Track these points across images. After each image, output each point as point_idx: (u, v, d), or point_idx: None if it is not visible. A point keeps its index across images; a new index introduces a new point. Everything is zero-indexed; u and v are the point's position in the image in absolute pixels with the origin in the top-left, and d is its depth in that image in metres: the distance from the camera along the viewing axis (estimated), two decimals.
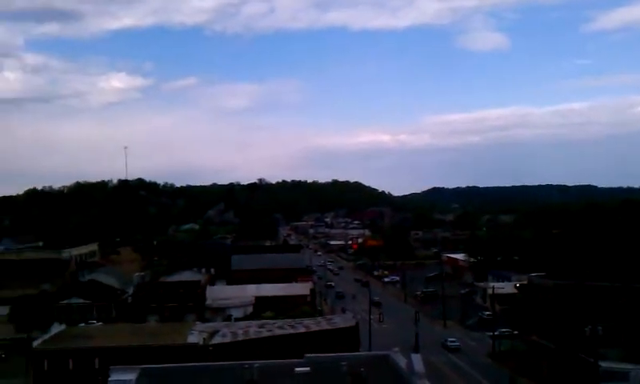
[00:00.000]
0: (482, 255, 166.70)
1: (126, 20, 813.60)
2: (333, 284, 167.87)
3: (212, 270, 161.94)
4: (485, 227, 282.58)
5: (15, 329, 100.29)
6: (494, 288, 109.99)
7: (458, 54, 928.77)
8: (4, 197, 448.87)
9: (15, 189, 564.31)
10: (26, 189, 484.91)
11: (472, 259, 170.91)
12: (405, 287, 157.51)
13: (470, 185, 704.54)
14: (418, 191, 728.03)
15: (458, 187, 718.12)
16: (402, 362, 53.40)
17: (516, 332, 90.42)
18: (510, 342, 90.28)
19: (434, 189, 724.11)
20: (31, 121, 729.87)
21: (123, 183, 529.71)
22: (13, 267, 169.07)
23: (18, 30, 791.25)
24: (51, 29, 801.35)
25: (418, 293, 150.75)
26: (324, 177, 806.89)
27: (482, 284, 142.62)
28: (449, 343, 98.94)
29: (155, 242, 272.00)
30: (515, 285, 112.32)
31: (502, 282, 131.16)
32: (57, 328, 78.80)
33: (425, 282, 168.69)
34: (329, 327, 76.70)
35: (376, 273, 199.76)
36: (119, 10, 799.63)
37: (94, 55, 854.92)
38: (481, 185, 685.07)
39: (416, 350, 76.82)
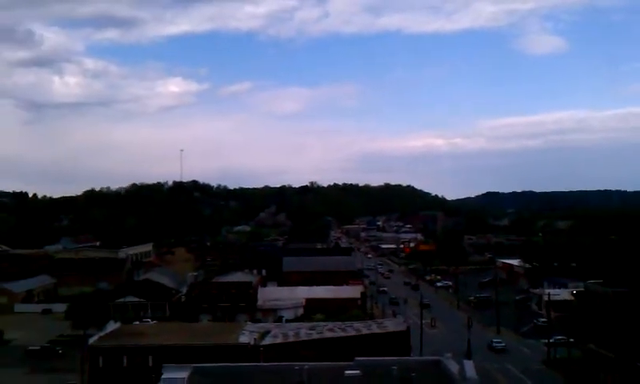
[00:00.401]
0: (537, 261, 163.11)
1: (183, 26, 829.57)
2: (387, 290, 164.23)
3: (263, 272, 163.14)
4: (541, 233, 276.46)
5: (72, 325, 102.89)
6: (549, 295, 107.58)
7: (514, 57, 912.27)
8: (64, 197, 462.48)
9: (75, 190, 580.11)
10: (85, 190, 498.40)
11: (527, 265, 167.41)
12: (457, 292, 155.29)
13: (526, 189, 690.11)
14: (472, 195, 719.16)
15: (513, 192, 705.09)
16: (453, 367, 52.59)
17: (572, 340, 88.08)
18: (566, 350, 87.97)
19: (489, 193, 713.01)
20: (91, 124, 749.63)
21: (178, 185, 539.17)
22: (71, 265, 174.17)
23: (79, 36, 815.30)
24: (111, 35, 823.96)
25: (471, 298, 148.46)
26: (376, 180, 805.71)
27: (537, 290, 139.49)
28: (494, 344, 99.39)
29: (208, 243, 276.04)
30: (572, 292, 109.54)
31: (559, 288, 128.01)
32: (112, 325, 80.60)
33: (478, 287, 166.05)
34: (379, 331, 76.09)
35: (428, 277, 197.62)
36: (176, 17, 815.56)
37: (152, 61, 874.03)
38: (537, 189, 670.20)
39: (468, 356, 75.62)
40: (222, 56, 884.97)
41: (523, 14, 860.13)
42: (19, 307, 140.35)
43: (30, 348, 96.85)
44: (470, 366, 52.96)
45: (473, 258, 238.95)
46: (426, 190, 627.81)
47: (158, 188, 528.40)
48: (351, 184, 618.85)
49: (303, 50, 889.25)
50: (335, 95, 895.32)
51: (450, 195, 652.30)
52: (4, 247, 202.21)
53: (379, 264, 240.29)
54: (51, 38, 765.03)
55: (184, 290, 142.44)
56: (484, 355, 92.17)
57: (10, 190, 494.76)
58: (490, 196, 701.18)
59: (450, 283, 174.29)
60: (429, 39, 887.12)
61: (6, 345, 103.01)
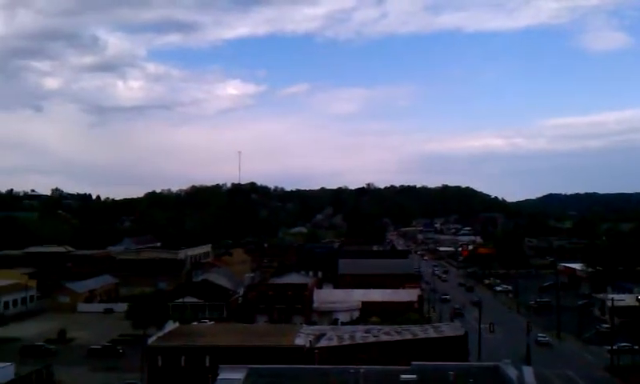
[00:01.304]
0: (601, 265, 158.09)
1: (241, 29, 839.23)
2: (448, 297, 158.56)
3: (319, 274, 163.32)
4: (604, 236, 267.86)
5: (132, 325, 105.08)
6: (613, 300, 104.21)
7: (576, 55, 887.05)
8: (126, 199, 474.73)
9: (136, 192, 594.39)
10: (147, 192, 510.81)
11: (590, 269, 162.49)
12: (517, 296, 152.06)
13: (589, 191, 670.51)
14: (533, 197, 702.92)
15: (575, 193, 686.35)
16: (512, 373, 51.45)
17: (636, 346, 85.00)
18: (630, 357, 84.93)
19: (550, 195, 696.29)
20: (152, 127, 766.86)
21: (236, 187, 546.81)
22: (132, 266, 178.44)
23: (141, 41, 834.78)
24: (172, 39, 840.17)
25: (532, 303, 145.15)
26: (434, 182, 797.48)
27: (600, 295, 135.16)
28: (539, 338, 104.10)
29: (265, 245, 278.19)
30: (637, 297, 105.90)
31: (623, 293, 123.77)
32: (171, 325, 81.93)
33: (539, 291, 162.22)
34: (436, 335, 75.09)
35: (487, 281, 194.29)
36: (235, 21, 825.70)
37: (211, 64, 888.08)
38: (600, 191, 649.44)
39: (528, 362, 73.82)
40: (280, 58, 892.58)
41: (586, 11, 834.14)
42: (82, 307, 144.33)
43: (92, 347, 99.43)
44: (529, 372, 51.77)
45: (533, 261, 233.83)
46: (485, 192, 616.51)
47: (216, 190, 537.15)
48: (408, 185, 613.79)
49: (361, 51, 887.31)
50: (392, 95, 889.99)
51: (510, 197, 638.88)
52: (68, 248, 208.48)
53: (436, 267, 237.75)
54: (115, 43, 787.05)
55: (241, 291, 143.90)
56: (552, 366, 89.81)
57: (75, 192, 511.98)
58: (551, 197, 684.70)
59: (510, 287, 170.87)
60: (488, 37, 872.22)
61: (69, 343, 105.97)
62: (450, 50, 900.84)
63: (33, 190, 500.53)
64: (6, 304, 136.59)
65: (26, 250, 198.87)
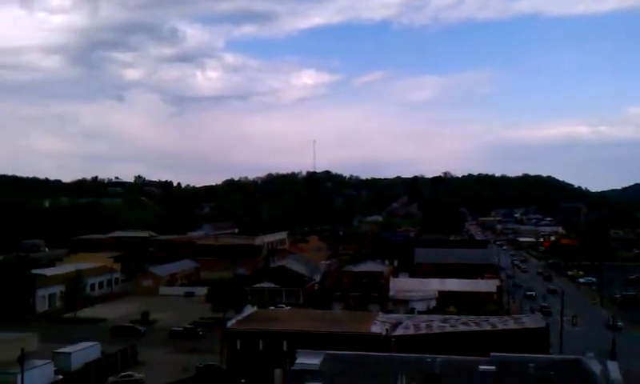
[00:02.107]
0: None
1: (316, 19, 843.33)
2: (532, 293, 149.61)
3: (395, 262, 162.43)
4: None
5: (212, 308, 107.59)
6: None
7: None
8: (205, 186, 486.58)
9: (215, 179, 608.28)
10: (225, 179, 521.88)
11: None
12: (601, 290, 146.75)
13: None
14: (619, 187, 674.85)
15: None
16: (596, 368, 49.75)
17: None
18: None
19: (637, 185, 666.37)
20: (230, 117, 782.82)
21: (311, 175, 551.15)
22: (212, 251, 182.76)
23: (219, 32, 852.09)
24: (249, 30, 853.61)
25: (617, 296, 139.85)
26: (514, 170, 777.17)
27: None
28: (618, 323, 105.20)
29: (341, 233, 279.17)
30: None
31: None
32: (249, 309, 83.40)
33: (624, 284, 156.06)
34: (516, 327, 73.27)
35: (570, 273, 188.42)
36: (310, 10, 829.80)
37: (287, 54, 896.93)
38: None
39: (612, 357, 70.95)
40: (355, 46, 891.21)
41: None
42: (163, 290, 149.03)
43: (174, 329, 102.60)
44: (614, 367, 49.85)
45: (619, 253, 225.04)
46: (567, 181, 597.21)
47: (292, 178, 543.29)
48: (487, 174, 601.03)
49: (437, 38, 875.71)
50: (470, 82, 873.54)
51: (594, 186, 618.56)
52: (151, 233, 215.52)
53: (515, 257, 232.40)
54: (194, 34, 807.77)
55: (317, 277, 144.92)
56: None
57: (157, 179, 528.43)
58: (638, 188, 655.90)
59: (594, 280, 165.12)
60: (572, 21, 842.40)
61: (152, 325, 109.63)
62: (530, 35, 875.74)
63: (117, 178, 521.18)
64: (92, 286, 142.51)
65: (111, 235, 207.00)
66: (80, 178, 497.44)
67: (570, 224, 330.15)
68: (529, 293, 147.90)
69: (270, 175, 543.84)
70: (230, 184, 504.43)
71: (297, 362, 54.60)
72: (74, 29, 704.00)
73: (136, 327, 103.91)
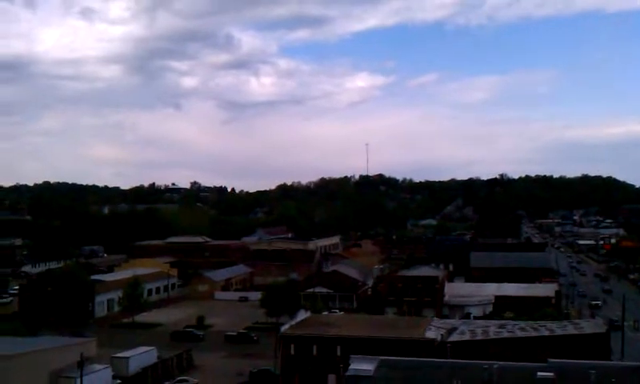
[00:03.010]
0: None
1: (370, 21, 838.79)
2: (598, 302, 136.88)
3: (450, 267, 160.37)
4: None
5: (266, 313, 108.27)
6: None
7: None
8: (259, 191, 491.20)
9: (269, 184, 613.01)
10: (278, 184, 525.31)
11: None
12: None
13: None
14: None
15: None
16: None
17: None
18: None
19: None
20: (284, 121, 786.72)
21: (364, 178, 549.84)
22: (265, 256, 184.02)
23: (272, 37, 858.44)
24: (301, 35, 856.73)
25: None
26: (573, 171, 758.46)
27: None
28: None
29: (394, 237, 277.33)
30: None
31: None
32: (303, 314, 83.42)
33: None
34: (576, 332, 71.22)
35: (632, 276, 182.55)
36: (363, 13, 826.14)
37: (340, 57, 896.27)
38: None
39: None
40: (409, 48, 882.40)
41: None
42: (218, 295, 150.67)
43: (228, 333, 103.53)
44: None
45: None
46: (629, 182, 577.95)
47: (344, 182, 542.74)
48: (544, 175, 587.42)
49: (493, 37, 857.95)
50: (528, 82, 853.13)
51: None
52: (206, 238, 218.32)
53: (576, 261, 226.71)
54: (248, 40, 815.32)
55: (370, 282, 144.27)
56: None
57: (212, 185, 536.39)
58: None
59: None
60: (634, 16, 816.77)
61: (207, 330, 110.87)
62: (590, 32, 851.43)
63: (173, 184, 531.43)
64: (150, 291, 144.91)
65: (167, 240, 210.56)
66: (138, 184, 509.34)
67: (631, 226, 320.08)
68: (594, 302, 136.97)
69: (322, 179, 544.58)
70: (283, 189, 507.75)
71: (351, 367, 54.29)
72: (133, 39, 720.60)
73: (195, 332, 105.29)
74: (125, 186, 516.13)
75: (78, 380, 64.78)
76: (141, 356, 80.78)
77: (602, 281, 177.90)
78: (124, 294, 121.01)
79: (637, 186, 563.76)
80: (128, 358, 78.90)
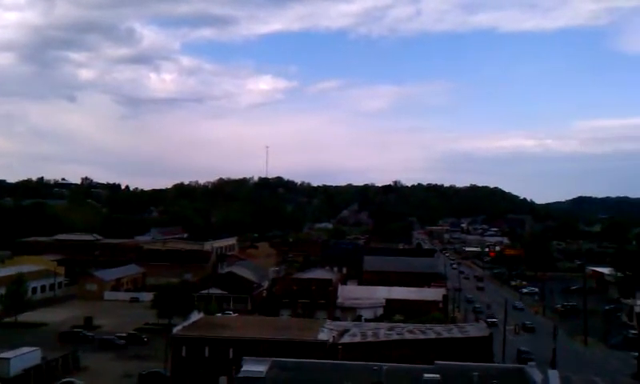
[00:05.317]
0: (630, 270, 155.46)
1: (275, 25, 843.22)
2: (496, 321, 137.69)
3: (344, 270, 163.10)
4: (635, 240, 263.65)
5: (158, 314, 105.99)
6: None
7: (613, 57, 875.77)
8: (154, 190, 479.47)
9: (165, 183, 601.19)
10: (175, 183, 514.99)
11: (619, 274, 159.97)
12: (544, 299, 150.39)
13: (621, 195, 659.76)
14: (563, 200, 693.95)
15: (607, 197, 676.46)
16: (537, 377, 50.91)
17: None
18: None
19: (580, 198, 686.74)
20: (183, 120, 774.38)
21: (263, 181, 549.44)
22: (159, 256, 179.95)
23: (175, 34, 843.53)
24: (206, 33, 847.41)
25: (558, 306, 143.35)
26: (462, 181, 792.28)
27: (629, 301, 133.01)
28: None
29: (291, 239, 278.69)
30: None
31: None
32: (196, 316, 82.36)
33: (566, 295, 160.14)
34: (461, 335, 74.41)
35: (513, 283, 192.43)
36: (269, 16, 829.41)
37: (243, 58, 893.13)
38: (632, 195, 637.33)
39: (553, 366, 72.75)
40: (312, 54, 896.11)
41: (625, 12, 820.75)
42: (108, 295, 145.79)
43: (117, 335, 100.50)
44: (554, 376, 51.08)
45: (562, 264, 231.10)
46: (514, 193, 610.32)
47: (243, 183, 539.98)
48: (435, 184, 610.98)
49: (394, 48, 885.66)
50: (424, 93, 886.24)
51: (539, 199, 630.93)
52: (97, 236, 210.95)
53: (454, 265, 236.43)
54: (150, 36, 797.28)
55: (266, 284, 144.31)
56: (578, 371, 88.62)
57: (105, 182, 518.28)
58: (581, 201, 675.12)
59: (536, 290, 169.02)
60: (523, 37, 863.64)
61: (96, 331, 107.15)
62: (484, 49, 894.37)
63: (63, 179, 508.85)
64: (34, 290, 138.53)
65: (55, 237, 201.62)
66: (25, 178, 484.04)
67: (515, 235, 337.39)
68: (491, 320, 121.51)
69: (221, 180, 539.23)
70: (179, 188, 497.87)
71: (243, 369, 54.24)
72: (28, 26, 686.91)
73: (84, 333, 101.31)
74: (12, 179, 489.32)
75: None
76: (24, 357, 77.06)
77: (477, 281, 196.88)
78: (6, 292, 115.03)
79: (521, 197, 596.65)
80: (9, 358, 75.08)
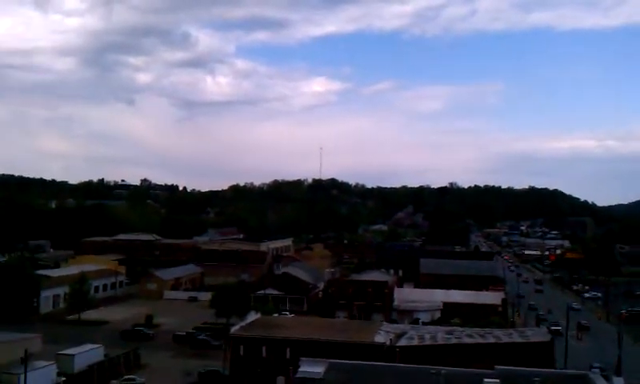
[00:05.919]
0: None
1: (329, 27, 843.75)
2: (559, 329, 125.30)
3: (400, 272, 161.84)
4: None
5: (216, 314, 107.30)
6: None
7: None
8: (211, 191, 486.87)
9: (221, 184, 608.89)
10: (231, 185, 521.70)
11: None
12: (607, 304, 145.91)
13: None
14: (625, 202, 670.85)
15: None
16: (601, 383, 49.31)
17: None
18: None
19: None
20: (238, 122, 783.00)
21: (317, 182, 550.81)
22: (216, 256, 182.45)
23: (230, 38, 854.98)
24: (260, 36, 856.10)
25: (623, 311, 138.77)
26: (520, 183, 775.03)
27: None
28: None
29: (346, 241, 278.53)
30: None
31: None
32: (253, 316, 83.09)
33: (630, 300, 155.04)
34: (521, 340, 72.83)
35: (575, 287, 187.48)
36: (323, 18, 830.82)
37: (298, 61, 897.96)
38: None
39: (618, 373, 70.45)
40: (366, 55, 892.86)
41: None
42: (168, 294, 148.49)
43: (177, 333, 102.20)
44: (619, 383, 49.47)
45: (625, 268, 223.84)
46: (574, 195, 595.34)
47: (297, 185, 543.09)
48: (493, 186, 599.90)
49: (448, 48, 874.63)
50: (480, 94, 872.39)
51: (601, 201, 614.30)
52: (156, 236, 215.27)
53: (514, 269, 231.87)
54: (205, 39, 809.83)
55: (321, 285, 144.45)
56: None
57: (163, 183, 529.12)
58: None
59: (599, 295, 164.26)
60: (582, 36, 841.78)
61: (156, 329, 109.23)
62: (541, 48, 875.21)
63: (123, 180, 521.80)
64: (96, 288, 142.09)
65: (116, 237, 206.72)
66: (86, 179, 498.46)
67: (576, 238, 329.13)
68: (555, 328, 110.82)
69: (275, 181, 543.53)
70: (235, 189, 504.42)
71: (300, 369, 54.36)
72: (88, 31, 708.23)
73: (145, 331, 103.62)
74: (73, 180, 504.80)
75: (22, 376, 63.11)
76: (87, 353, 79.23)
77: (536, 284, 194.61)
78: (70, 291, 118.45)
79: (582, 200, 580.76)
80: (73, 355, 77.29)
